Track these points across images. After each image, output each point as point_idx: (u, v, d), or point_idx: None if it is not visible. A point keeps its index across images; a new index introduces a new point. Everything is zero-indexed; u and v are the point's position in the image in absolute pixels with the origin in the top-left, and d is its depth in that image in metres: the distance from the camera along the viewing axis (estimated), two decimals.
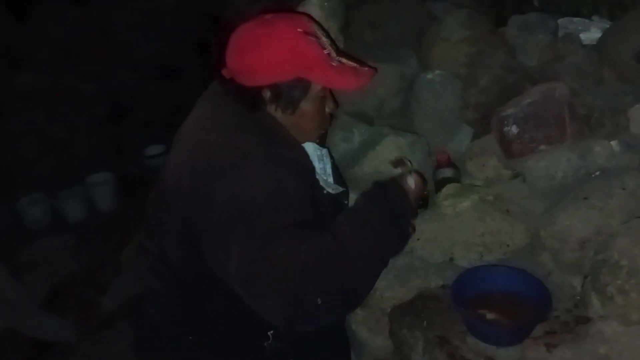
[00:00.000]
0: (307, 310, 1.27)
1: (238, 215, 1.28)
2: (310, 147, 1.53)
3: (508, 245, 1.72)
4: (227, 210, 1.29)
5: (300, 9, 2.33)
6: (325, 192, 1.50)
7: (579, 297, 1.51)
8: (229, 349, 1.53)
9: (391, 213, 1.42)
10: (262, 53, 1.33)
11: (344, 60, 1.41)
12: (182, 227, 1.39)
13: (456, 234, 1.75)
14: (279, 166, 1.32)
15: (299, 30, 1.35)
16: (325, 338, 1.58)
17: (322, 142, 1.64)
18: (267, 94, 1.38)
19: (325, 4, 2.31)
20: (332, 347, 1.67)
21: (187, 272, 1.46)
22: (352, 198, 1.67)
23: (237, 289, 1.32)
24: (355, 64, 1.42)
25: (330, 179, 1.59)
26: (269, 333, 1.49)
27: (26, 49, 4.10)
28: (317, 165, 1.54)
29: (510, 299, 1.53)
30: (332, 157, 1.68)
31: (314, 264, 1.27)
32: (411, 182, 1.51)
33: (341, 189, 1.59)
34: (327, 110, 1.46)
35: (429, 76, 2.11)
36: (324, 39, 1.40)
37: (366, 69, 1.43)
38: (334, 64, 1.37)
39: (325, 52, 1.36)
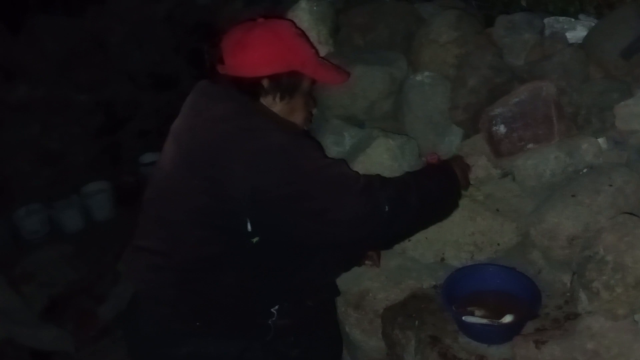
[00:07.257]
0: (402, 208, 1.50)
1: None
2: None
3: (499, 244, 1.73)
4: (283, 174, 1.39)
5: (291, 13, 2.35)
6: None
7: (569, 294, 1.52)
8: (234, 332, 1.54)
9: (450, 179, 1.67)
10: (265, 47, 1.51)
11: (325, 60, 1.66)
12: (208, 202, 1.42)
13: (447, 234, 1.76)
14: (288, 130, 1.48)
15: (294, 30, 1.58)
16: (323, 314, 1.70)
17: None
18: (266, 83, 1.52)
19: (315, 8, 2.32)
20: (327, 324, 1.75)
21: (195, 256, 1.47)
22: None
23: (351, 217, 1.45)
24: (334, 65, 1.68)
25: None
26: (273, 310, 1.51)
27: (20, 61, 4.11)
28: None
29: (501, 297, 1.55)
30: None
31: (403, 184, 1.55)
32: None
33: None
34: (308, 108, 1.66)
35: (419, 78, 2.12)
36: (310, 41, 1.64)
37: (343, 70, 1.71)
38: (320, 62, 1.62)
39: (314, 51, 1.60)
